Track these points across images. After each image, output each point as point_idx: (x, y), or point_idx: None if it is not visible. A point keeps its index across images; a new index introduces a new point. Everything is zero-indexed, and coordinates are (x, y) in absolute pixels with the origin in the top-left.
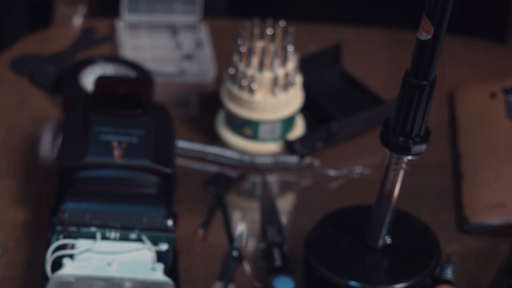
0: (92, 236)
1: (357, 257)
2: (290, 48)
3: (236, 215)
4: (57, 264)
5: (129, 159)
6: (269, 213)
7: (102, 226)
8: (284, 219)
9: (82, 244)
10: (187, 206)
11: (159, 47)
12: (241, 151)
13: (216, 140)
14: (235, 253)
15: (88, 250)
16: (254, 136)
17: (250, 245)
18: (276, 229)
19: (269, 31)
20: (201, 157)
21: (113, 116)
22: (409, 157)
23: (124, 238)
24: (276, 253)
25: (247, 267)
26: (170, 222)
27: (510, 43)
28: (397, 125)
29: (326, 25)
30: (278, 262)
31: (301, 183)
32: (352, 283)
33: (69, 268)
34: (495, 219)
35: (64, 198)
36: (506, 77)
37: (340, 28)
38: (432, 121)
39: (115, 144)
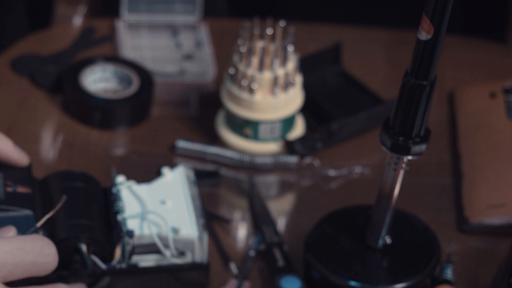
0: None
1: (357, 257)
2: (290, 48)
3: (236, 215)
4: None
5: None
6: (262, 214)
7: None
8: (281, 219)
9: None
10: None
11: (159, 47)
12: (241, 151)
13: (216, 140)
14: (251, 253)
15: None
16: (254, 136)
17: (249, 246)
18: (272, 229)
19: (269, 31)
20: (201, 157)
21: None
22: (409, 157)
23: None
24: (277, 254)
25: (234, 267)
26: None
27: (510, 43)
28: (397, 125)
29: (326, 25)
30: (280, 262)
31: (301, 183)
32: (352, 283)
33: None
34: (495, 219)
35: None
36: (506, 77)
37: (340, 28)
38: (432, 121)
39: (8, 189)
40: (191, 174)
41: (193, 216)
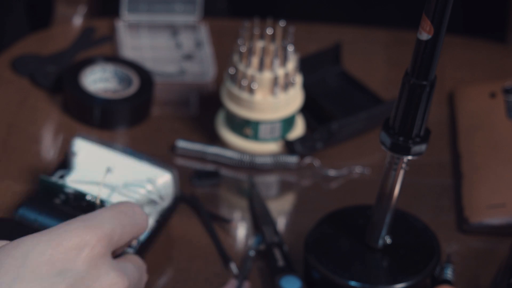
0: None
1: (357, 257)
2: (290, 48)
3: (236, 215)
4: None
5: None
6: (262, 214)
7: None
8: (281, 219)
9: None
10: (186, 205)
11: (159, 47)
12: (241, 151)
13: (216, 140)
14: (251, 253)
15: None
16: (254, 136)
17: (249, 246)
18: (272, 229)
19: (269, 31)
20: (201, 157)
21: None
22: (409, 157)
23: None
24: (277, 253)
25: (234, 267)
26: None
27: (510, 43)
28: (397, 125)
29: (326, 25)
30: (280, 262)
31: (301, 183)
32: (352, 283)
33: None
34: (495, 219)
35: None
36: (506, 77)
37: (340, 28)
38: (432, 121)
39: None
40: (93, 137)
41: (146, 162)
